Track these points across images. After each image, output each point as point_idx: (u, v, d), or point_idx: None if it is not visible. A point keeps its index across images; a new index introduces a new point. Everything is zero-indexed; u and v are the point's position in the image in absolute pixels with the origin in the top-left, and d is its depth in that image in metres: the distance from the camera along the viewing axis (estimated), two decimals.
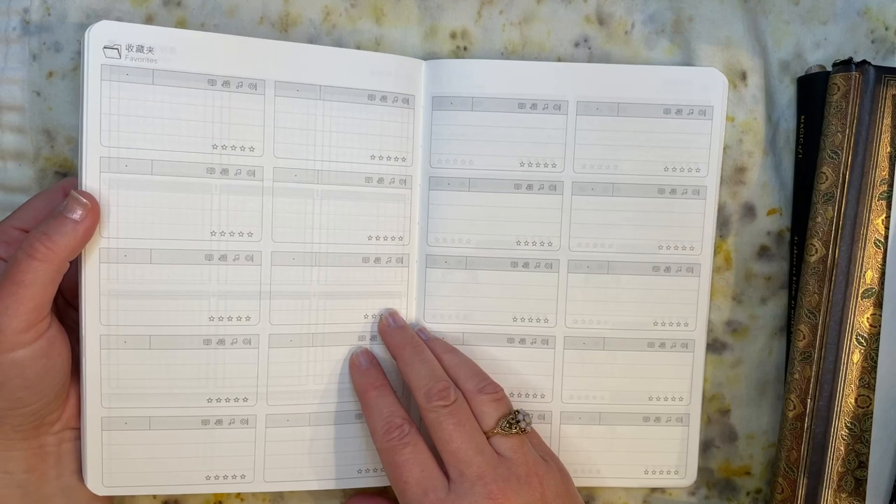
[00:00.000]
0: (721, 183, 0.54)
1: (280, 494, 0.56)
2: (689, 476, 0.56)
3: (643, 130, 0.53)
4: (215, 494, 0.56)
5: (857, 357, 0.53)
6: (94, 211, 0.46)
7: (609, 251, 0.54)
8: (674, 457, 0.56)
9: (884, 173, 0.52)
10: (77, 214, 0.45)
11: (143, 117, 0.48)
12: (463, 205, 0.53)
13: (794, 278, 0.56)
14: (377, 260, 0.52)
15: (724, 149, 0.54)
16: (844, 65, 0.52)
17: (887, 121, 0.52)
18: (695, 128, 0.53)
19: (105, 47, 0.47)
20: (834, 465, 0.53)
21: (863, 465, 0.53)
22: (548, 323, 0.54)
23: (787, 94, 0.55)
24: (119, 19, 0.50)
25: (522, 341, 0.54)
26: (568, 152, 0.53)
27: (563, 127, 0.53)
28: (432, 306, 0.54)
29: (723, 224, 0.56)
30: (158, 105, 0.48)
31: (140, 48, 0.48)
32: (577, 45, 0.54)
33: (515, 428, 0.47)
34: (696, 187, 0.54)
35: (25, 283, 0.43)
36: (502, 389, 0.49)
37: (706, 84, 0.53)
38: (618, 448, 0.55)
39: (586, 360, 0.54)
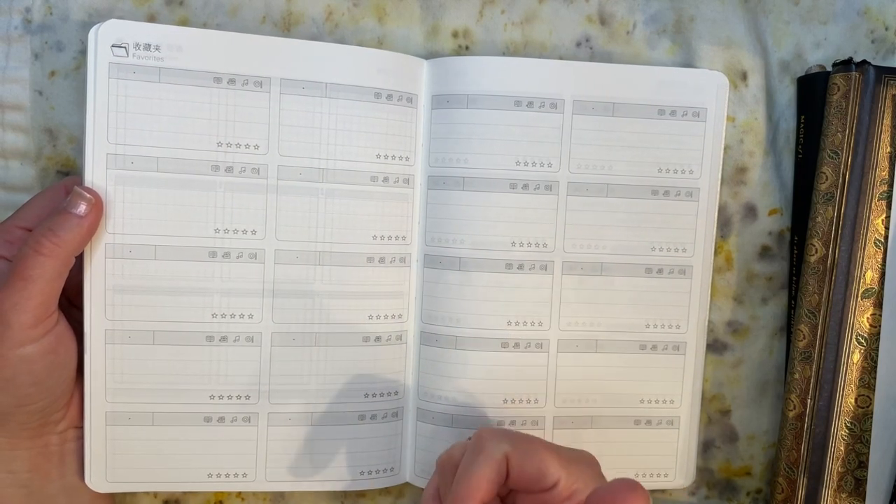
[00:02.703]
0: (722, 183, 0.55)
1: (281, 494, 0.56)
2: (682, 478, 0.56)
3: (638, 131, 0.53)
4: (216, 493, 0.56)
5: (857, 357, 0.53)
6: (97, 206, 0.47)
7: (603, 253, 0.54)
8: (665, 459, 0.56)
9: (884, 173, 0.52)
10: (81, 210, 0.46)
11: (150, 115, 0.48)
12: (457, 204, 0.53)
13: (795, 278, 0.56)
14: (381, 260, 0.52)
15: (725, 149, 0.55)
16: (844, 65, 0.53)
17: (887, 121, 0.52)
18: (688, 129, 0.53)
19: (113, 46, 0.48)
20: (834, 465, 0.54)
21: (863, 465, 0.53)
22: (542, 326, 0.54)
23: (787, 94, 0.55)
24: (121, 18, 0.50)
25: (517, 345, 0.53)
26: (564, 152, 0.53)
27: (560, 126, 0.52)
28: (427, 308, 0.54)
29: (724, 224, 0.56)
30: (164, 103, 0.49)
31: (147, 46, 0.48)
32: (578, 44, 0.55)
33: None
34: (689, 189, 0.54)
35: (33, 279, 0.44)
36: None
37: (700, 86, 0.53)
38: (609, 452, 0.55)
39: (580, 363, 0.54)
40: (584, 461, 0.45)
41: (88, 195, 0.46)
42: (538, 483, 0.43)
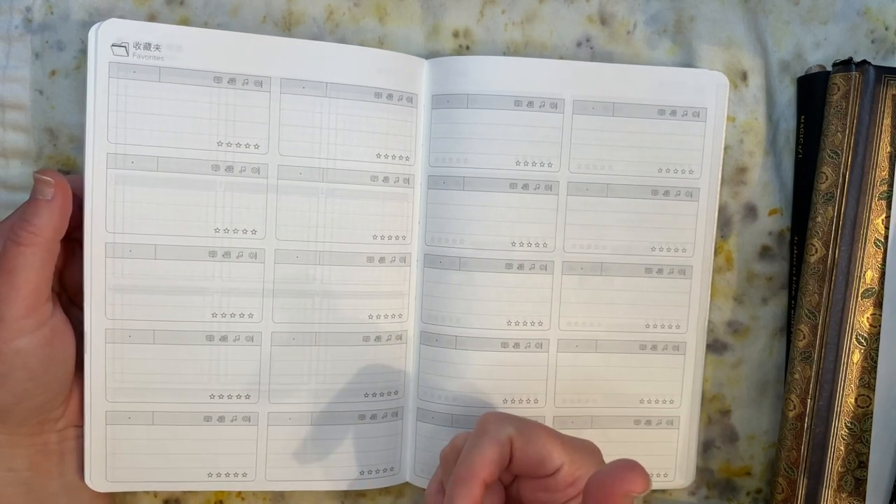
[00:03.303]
0: (722, 183, 0.55)
1: (281, 494, 0.56)
2: (682, 478, 0.56)
3: (638, 131, 0.53)
4: (216, 493, 0.56)
5: (857, 357, 0.53)
6: (61, 187, 0.46)
7: (603, 253, 0.54)
8: (664, 459, 0.56)
9: (884, 173, 0.52)
10: (47, 194, 0.46)
11: (150, 114, 0.48)
12: (458, 204, 0.53)
13: (795, 278, 0.56)
14: (381, 259, 0.52)
15: (725, 149, 0.55)
16: (844, 65, 0.53)
17: (887, 121, 0.52)
18: (688, 129, 0.53)
19: (113, 45, 0.48)
20: (834, 465, 0.54)
21: (863, 465, 0.53)
22: (542, 326, 0.54)
23: (787, 94, 0.55)
24: (122, 17, 0.50)
25: (517, 345, 0.53)
26: (564, 151, 0.53)
27: (560, 126, 0.52)
28: (428, 307, 0.54)
29: (724, 224, 0.56)
30: (165, 102, 0.49)
31: (147, 46, 0.48)
32: (579, 44, 0.55)
33: None
34: (689, 189, 0.54)
35: (16, 269, 0.44)
36: None
37: (700, 86, 0.53)
38: (608, 452, 0.54)
39: (579, 363, 0.54)
40: (586, 450, 0.46)
41: (49, 178, 0.46)
42: (541, 468, 0.43)
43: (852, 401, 0.53)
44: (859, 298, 0.53)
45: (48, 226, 0.45)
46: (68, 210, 0.47)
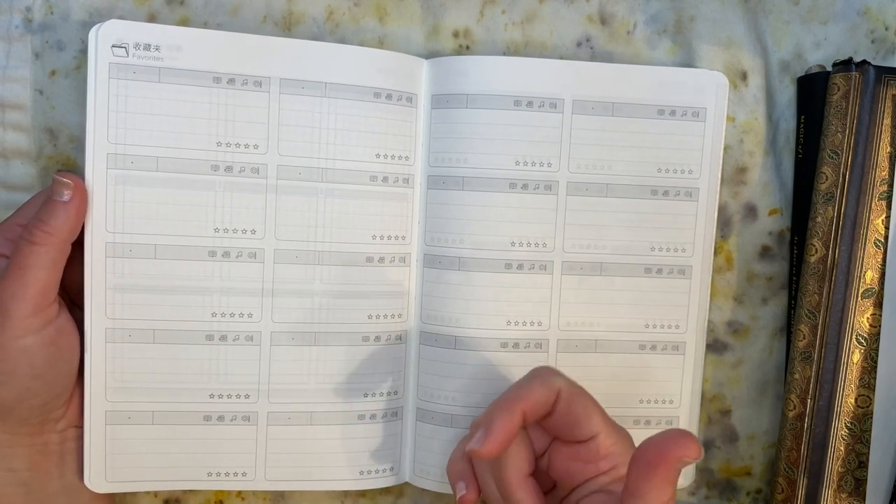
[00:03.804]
0: (722, 183, 0.55)
1: (281, 494, 0.56)
2: (682, 478, 0.56)
3: (637, 131, 0.53)
4: (216, 493, 0.56)
5: (857, 357, 0.53)
6: (79, 190, 0.47)
7: (602, 253, 0.54)
8: None
9: (884, 173, 0.52)
10: (65, 196, 0.46)
11: (149, 115, 0.49)
12: (457, 204, 0.53)
13: (795, 278, 0.56)
14: (381, 259, 0.52)
15: (725, 149, 0.55)
16: (844, 65, 0.53)
17: (887, 121, 0.52)
18: (687, 129, 0.53)
19: (113, 46, 0.48)
20: (834, 465, 0.54)
21: (863, 465, 0.53)
22: (541, 326, 0.53)
23: (787, 94, 0.55)
24: (122, 17, 0.51)
25: (516, 345, 0.53)
26: (563, 151, 0.53)
27: (559, 126, 0.52)
28: (427, 308, 0.54)
29: (724, 224, 0.56)
30: (164, 103, 0.49)
31: (147, 47, 0.48)
32: (579, 44, 0.55)
33: None
34: (689, 189, 0.54)
35: (29, 268, 0.44)
36: None
37: (700, 86, 0.53)
38: None
39: (579, 363, 0.54)
40: (623, 432, 0.47)
41: (68, 180, 0.47)
42: (578, 429, 0.44)
43: (852, 401, 0.53)
44: (859, 298, 0.53)
45: (63, 227, 0.46)
46: (83, 212, 0.48)
